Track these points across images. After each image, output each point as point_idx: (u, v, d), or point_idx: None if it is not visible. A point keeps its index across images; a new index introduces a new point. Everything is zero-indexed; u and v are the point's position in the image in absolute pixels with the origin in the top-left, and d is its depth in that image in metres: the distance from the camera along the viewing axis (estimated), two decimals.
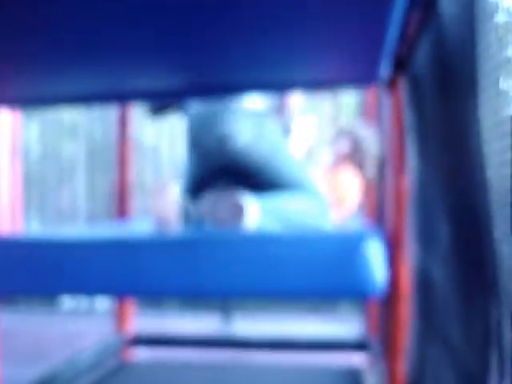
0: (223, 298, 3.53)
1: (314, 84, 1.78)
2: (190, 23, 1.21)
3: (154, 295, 2.50)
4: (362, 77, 1.66)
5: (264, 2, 1.10)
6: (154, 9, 1.12)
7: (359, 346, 2.70)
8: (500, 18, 0.85)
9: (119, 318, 2.84)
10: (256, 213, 1.84)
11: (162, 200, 1.99)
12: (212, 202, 1.94)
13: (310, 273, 1.56)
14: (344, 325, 3.63)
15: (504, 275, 0.70)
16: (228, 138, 2.05)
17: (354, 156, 2.39)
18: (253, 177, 2.11)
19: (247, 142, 2.04)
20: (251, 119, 2.07)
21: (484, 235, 0.83)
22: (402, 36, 1.40)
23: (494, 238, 0.80)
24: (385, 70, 1.61)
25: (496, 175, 0.80)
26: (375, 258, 1.52)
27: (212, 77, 1.67)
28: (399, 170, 1.65)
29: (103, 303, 4.12)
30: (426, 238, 1.44)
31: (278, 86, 1.80)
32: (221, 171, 2.19)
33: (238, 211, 1.84)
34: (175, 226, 1.98)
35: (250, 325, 3.64)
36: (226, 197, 1.90)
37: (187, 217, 2.04)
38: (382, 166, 2.24)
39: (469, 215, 0.93)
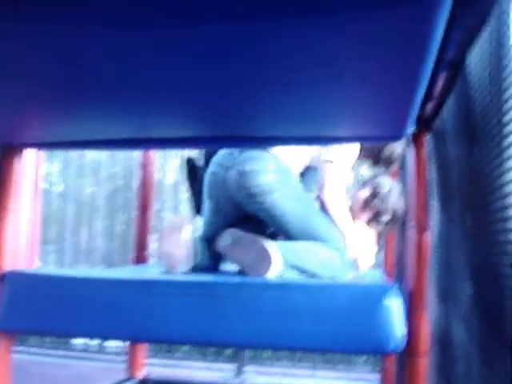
0: (237, 348, 3.49)
1: (340, 140, 1.80)
2: (218, 72, 1.23)
3: (167, 341, 2.48)
4: (388, 134, 1.68)
5: (293, 58, 1.12)
6: (181, 58, 1.15)
7: None
8: None
9: (130, 361, 2.81)
10: (280, 262, 1.84)
11: (172, 240, 2.00)
12: (235, 239, 1.94)
13: (328, 325, 1.55)
14: (359, 381, 3.57)
15: None
16: (249, 173, 2.04)
17: (373, 201, 2.38)
18: (272, 221, 2.09)
19: (269, 182, 2.03)
20: (274, 162, 2.07)
21: (504, 294, 0.83)
22: (429, 94, 1.42)
23: None
24: (410, 126, 1.62)
25: None
26: (395, 313, 1.50)
27: (237, 129, 1.69)
28: (422, 225, 1.65)
29: (114, 342, 4.11)
30: (446, 295, 1.43)
31: (304, 140, 1.80)
32: (239, 213, 2.19)
33: (264, 259, 1.85)
34: (185, 267, 1.99)
35: (263, 376, 3.60)
36: (251, 240, 1.90)
37: (198, 258, 2.04)
38: (403, 221, 2.24)
39: (490, 275, 0.93)
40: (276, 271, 1.84)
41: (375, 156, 2.39)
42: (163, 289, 1.67)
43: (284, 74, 1.19)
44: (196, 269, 2.03)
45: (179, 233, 2.02)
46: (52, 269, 4.53)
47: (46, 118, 1.58)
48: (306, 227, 2.04)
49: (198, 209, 2.38)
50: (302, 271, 1.94)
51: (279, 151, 2.10)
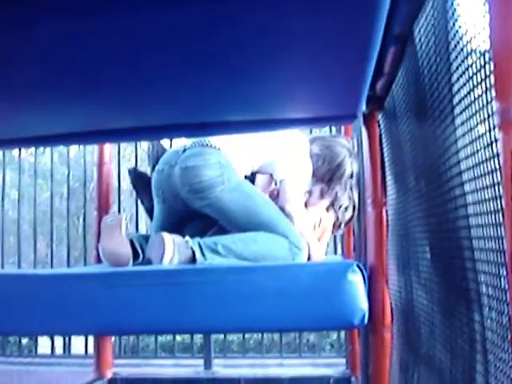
0: (205, 339, 3.49)
1: (295, 122, 1.82)
2: (167, 59, 1.24)
3: (134, 332, 2.48)
4: (342, 113, 1.71)
5: (243, 36, 1.14)
6: (135, 49, 1.16)
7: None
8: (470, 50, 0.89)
9: (98, 362, 2.80)
10: (170, 252, 1.89)
11: (113, 238, 2.01)
12: (150, 242, 1.98)
13: (293, 305, 1.57)
14: (326, 367, 3.61)
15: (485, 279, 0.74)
16: (191, 169, 2.08)
17: (328, 190, 2.40)
18: (219, 216, 2.13)
19: (212, 177, 2.06)
20: (216, 157, 2.11)
21: (462, 246, 0.87)
22: (379, 71, 1.46)
23: (473, 252, 0.83)
24: (363, 105, 1.65)
25: (473, 197, 0.84)
26: (358, 289, 1.54)
27: (191, 116, 1.71)
28: (378, 202, 1.69)
29: (79, 347, 4.07)
30: (406, 266, 1.47)
31: (258, 126, 1.82)
32: (186, 211, 2.22)
33: (161, 248, 1.90)
34: (127, 263, 2.00)
35: (231, 368, 3.61)
36: (158, 236, 1.95)
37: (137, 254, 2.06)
38: (359, 202, 2.28)
39: (447, 231, 0.97)
40: (168, 259, 1.89)
41: (328, 179, 2.41)
42: (127, 280, 1.67)
43: (235, 54, 1.20)
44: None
45: (119, 230, 2.03)
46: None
47: None
48: (252, 218, 2.07)
49: (151, 214, 2.40)
50: (238, 259, 1.97)
51: (225, 148, 2.14)
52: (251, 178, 2.32)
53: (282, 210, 2.17)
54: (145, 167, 2.93)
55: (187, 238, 1.95)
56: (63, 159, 4.79)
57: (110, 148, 2.80)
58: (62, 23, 1.04)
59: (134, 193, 4.14)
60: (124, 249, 2.01)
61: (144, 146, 5.09)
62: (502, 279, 0.67)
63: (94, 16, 1.03)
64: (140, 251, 2.07)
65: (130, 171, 2.53)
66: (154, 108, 1.59)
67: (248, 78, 1.36)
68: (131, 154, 4.40)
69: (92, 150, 3.67)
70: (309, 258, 2.16)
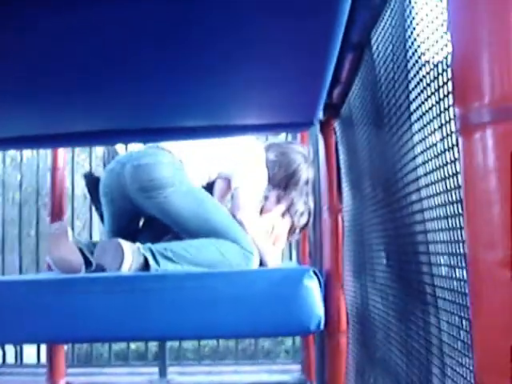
0: (159, 347, 3.46)
1: (251, 129, 1.83)
2: (126, 68, 1.23)
3: (91, 340, 2.44)
4: (298, 120, 1.72)
5: (201, 45, 1.13)
6: (91, 53, 1.15)
7: None
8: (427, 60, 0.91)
9: (51, 371, 2.74)
10: (129, 258, 1.87)
11: (62, 245, 1.98)
12: (100, 248, 1.96)
13: (250, 311, 1.58)
14: (281, 373, 3.62)
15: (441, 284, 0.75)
16: (143, 167, 2.07)
17: (284, 196, 2.41)
18: (167, 218, 2.11)
19: (163, 176, 2.05)
20: (168, 158, 2.10)
21: (419, 252, 0.88)
22: (336, 79, 1.47)
23: (430, 256, 0.85)
24: (320, 112, 1.67)
25: (430, 203, 0.86)
26: (314, 294, 1.55)
27: (147, 122, 1.70)
28: (334, 208, 1.71)
29: (31, 355, 3.99)
30: (362, 271, 1.49)
31: (214, 132, 1.82)
32: (134, 213, 2.20)
33: (118, 255, 1.88)
34: (80, 270, 1.97)
35: (187, 376, 3.58)
36: (110, 242, 1.95)
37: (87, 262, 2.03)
38: (315, 209, 2.29)
39: (404, 235, 0.98)
40: (128, 266, 1.87)
41: (284, 185, 2.41)
42: (82, 287, 1.65)
43: (192, 60, 1.20)
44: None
45: (65, 237, 2.00)
46: None
47: None
48: (203, 224, 2.06)
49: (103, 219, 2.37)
50: (190, 265, 1.96)
51: (179, 154, 2.14)
52: (209, 187, 2.31)
53: (234, 217, 2.17)
54: (99, 173, 2.89)
55: (138, 244, 1.94)
56: (16, 164, 4.71)
57: (63, 153, 2.75)
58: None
59: (88, 199, 4.09)
60: (74, 256, 1.98)
61: (98, 151, 5.04)
62: (459, 282, 0.68)
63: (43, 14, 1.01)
64: (91, 258, 2.04)
65: (85, 176, 2.50)
66: (110, 112, 1.58)
67: (205, 83, 1.36)
68: (85, 160, 4.33)
69: (45, 154, 3.61)
70: (264, 264, 2.16)
